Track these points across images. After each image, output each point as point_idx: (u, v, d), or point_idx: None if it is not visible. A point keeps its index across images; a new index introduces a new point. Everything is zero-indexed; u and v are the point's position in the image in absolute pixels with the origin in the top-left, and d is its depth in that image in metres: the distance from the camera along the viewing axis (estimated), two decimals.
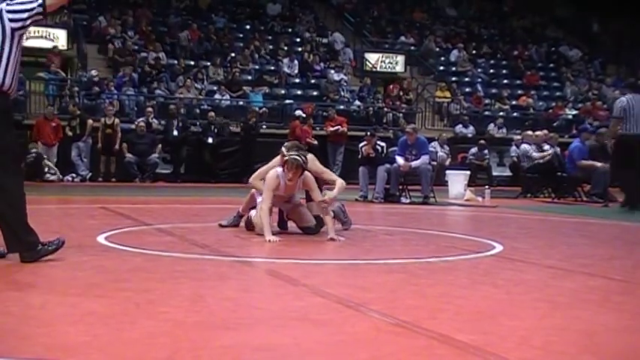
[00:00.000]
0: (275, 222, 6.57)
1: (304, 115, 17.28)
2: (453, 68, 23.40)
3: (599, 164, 12.52)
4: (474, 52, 24.46)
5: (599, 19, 27.86)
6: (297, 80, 20.30)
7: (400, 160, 11.29)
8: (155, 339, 2.79)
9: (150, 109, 16.19)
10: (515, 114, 21.46)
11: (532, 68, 24.28)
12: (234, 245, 5.74)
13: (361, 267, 4.91)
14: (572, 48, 26.20)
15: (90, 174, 15.13)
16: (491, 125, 19.97)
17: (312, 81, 20.46)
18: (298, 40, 22.48)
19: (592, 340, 2.96)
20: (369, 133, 12.21)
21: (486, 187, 12.52)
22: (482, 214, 9.90)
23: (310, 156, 6.58)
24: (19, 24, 4.49)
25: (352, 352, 2.70)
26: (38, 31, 17.73)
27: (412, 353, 2.71)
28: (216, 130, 16.29)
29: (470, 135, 19.18)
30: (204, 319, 3.15)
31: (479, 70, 23.65)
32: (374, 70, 22.11)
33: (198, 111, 17.65)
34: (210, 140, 16.08)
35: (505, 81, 23.67)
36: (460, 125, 19.59)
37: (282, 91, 19.45)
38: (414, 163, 11.21)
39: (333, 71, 20.63)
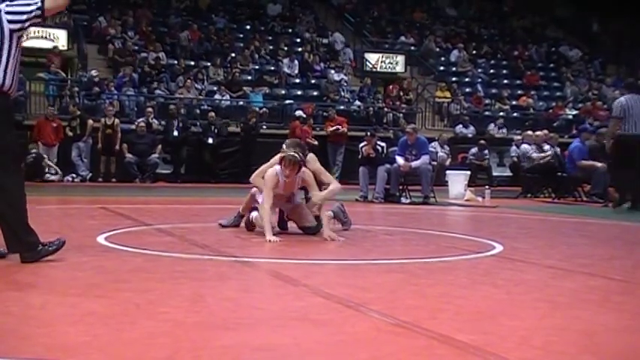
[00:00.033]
0: (275, 222, 6.56)
1: (304, 116, 17.29)
2: (453, 68, 23.40)
3: (599, 164, 12.51)
4: (474, 52, 24.46)
5: (599, 19, 27.85)
6: (298, 80, 20.30)
7: (400, 160, 11.29)
8: (155, 339, 2.79)
9: (150, 109, 16.19)
10: (515, 114, 21.46)
11: (532, 68, 24.28)
12: (234, 245, 5.73)
13: (361, 267, 4.91)
14: (572, 48, 26.21)
15: (90, 174, 15.15)
16: (492, 125, 19.99)
17: (313, 81, 20.45)
18: (298, 40, 22.48)
19: (592, 340, 2.95)
20: (369, 134, 12.21)
21: (486, 187, 12.51)
22: (483, 214, 9.89)
23: (311, 155, 6.58)
24: (18, 25, 4.50)
25: (352, 352, 2.70)
26: (38, 32, 17.74)
27: (412, 353, 2.71)
28: (216, 131, 16.29)
29: (470, 135, 19.18)
30: (205, 320, 3.15)
31: (479, 70, 23.64)
32: (374, 70, 22.11)
33: (198, 111, 17.66)
34: (210, 140, 16.09)
35: (505, 81, 23.67)
36: (460, 125, 19.59)
37: (283, 92, 19.45)
38: (414, 164, 11.20)
39: (333, 71, 20.63)
